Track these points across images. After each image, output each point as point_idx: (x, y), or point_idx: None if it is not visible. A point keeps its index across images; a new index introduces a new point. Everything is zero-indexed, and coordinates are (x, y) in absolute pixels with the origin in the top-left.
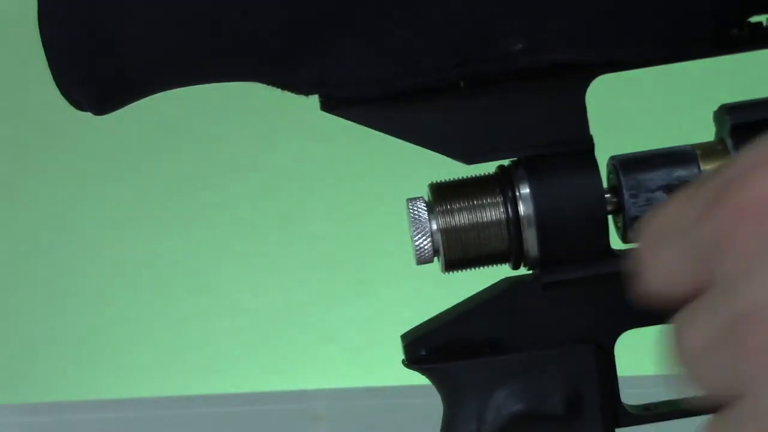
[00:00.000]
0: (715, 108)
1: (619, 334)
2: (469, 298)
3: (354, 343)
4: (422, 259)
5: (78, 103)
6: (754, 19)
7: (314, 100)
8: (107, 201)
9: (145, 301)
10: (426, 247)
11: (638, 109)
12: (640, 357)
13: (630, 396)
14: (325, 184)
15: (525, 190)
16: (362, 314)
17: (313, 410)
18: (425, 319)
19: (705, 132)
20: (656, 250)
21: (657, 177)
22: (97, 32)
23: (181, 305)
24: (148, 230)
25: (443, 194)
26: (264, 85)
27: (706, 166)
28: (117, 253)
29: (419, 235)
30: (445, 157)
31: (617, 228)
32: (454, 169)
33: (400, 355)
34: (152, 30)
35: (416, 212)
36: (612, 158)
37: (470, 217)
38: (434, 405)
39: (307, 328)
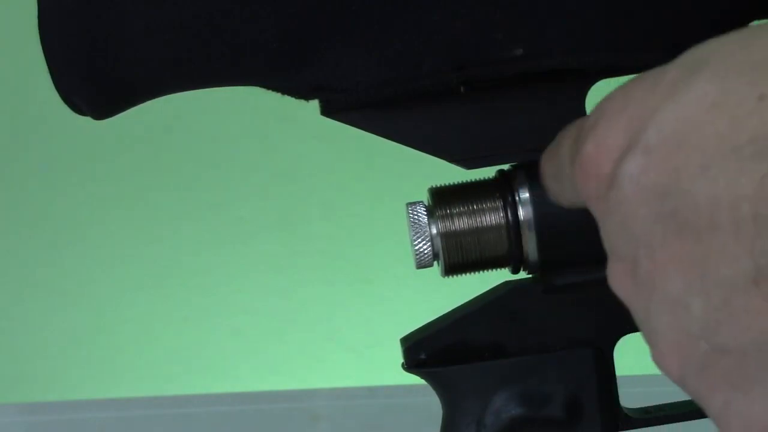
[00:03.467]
0: None
1: (618, 338)
2: (468, 301)
3: (354, 343)
4: (422, 264)
5: (78, 108)
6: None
7: (314, 102)
8: (107, 201)
9: (145, 301)
10: (426, 251)
11: None
12: (640, 357)
13: (630, 395)
14: (325, 185)
15: (525, 194)
16: (362, 314)
17: (312, 410)
18: (425, 319)
19: None
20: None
21: None
22: (97, 36)
23: (181, 305)
24: (149, 230)
25: (443, 198)
26: (264, 90)
27: None
28: (117, 252)
29: (419, 240)
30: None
31: None
32: (454, 173)
33: (400, 355)
34: (153, 34)
35: (416, 216)
36: None
37: (470, 221)
38: (434, 404)
39: (307, 328)
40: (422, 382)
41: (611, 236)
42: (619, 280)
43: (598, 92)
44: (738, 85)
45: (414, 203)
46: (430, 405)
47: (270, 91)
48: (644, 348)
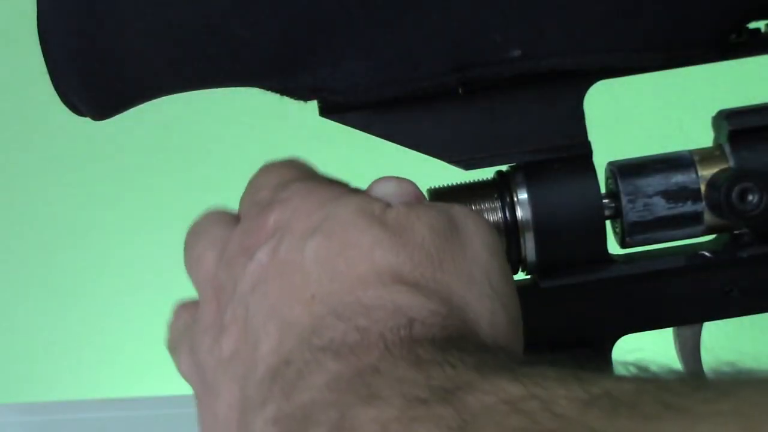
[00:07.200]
0: (716, 109)
1: (617, 339)
2: None
3: None
4: None
5: (76, 108)
6: (752, 25)
7: (313, 102)
8: (107, 201)
9: (145, 301)
10: None
11: (638, 113)
12: (639, 357)
13: None
14: None
15: (523, 195)
16: None
17: None
18: None
19: (707, 134)
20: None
21: (655, 182)
22: (96, 38)
23: None
24: (148, 230)
25: (442, 199)
26: (263, 90)
27: (704, 172)
28: (117, 253)
29: None
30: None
31: (615, 233)
32: (453, 174)
33: None
34: (152, 36)
35: None
36: (610, 163)
37: None
38: None
39: None
40: None
41: None
42: None
43: (597, 92)
44: None
45: None
46: None
47: (269, 92)
48: (644, 348)
